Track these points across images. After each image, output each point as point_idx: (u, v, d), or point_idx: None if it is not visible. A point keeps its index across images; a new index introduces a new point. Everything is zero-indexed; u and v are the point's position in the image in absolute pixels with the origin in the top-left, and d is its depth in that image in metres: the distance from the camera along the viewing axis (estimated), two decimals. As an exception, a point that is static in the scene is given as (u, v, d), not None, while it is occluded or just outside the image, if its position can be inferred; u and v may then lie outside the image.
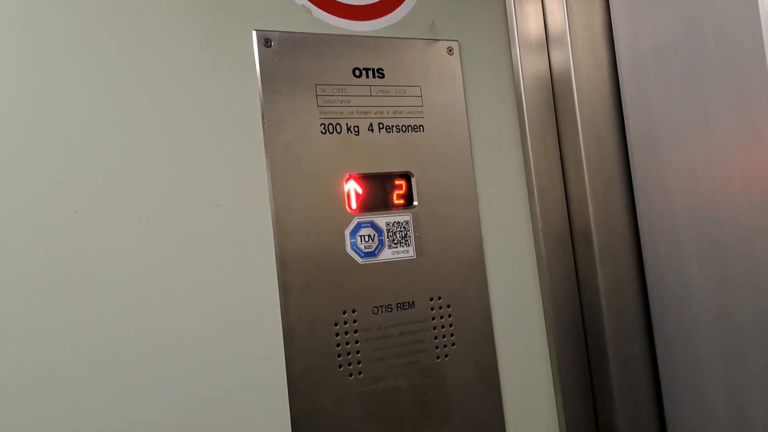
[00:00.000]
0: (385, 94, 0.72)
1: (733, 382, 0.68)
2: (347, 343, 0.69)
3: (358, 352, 0.69)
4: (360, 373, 0.69)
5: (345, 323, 0.69)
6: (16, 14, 0.59)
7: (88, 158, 0.60)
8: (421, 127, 0.74)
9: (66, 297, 0.58)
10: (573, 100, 0.77)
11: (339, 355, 0.68)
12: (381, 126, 0.72)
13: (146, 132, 0.62)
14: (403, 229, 0.72)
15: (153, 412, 0.60)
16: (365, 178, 0.71)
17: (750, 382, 0.66)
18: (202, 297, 0.63)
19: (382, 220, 0.71)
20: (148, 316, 0.61)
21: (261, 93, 0.67)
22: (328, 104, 0.70)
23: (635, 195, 0.78)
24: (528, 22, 0.81)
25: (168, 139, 0.63)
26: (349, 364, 0.69)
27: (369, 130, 0.71)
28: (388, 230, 0.71)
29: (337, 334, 0.68)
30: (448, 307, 0.74)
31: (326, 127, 0.69)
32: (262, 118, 0.67)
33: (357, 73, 0.72)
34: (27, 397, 0.56)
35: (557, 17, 0.79)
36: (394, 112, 0.73)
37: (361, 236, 0.70)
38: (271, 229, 0.66)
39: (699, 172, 0.68)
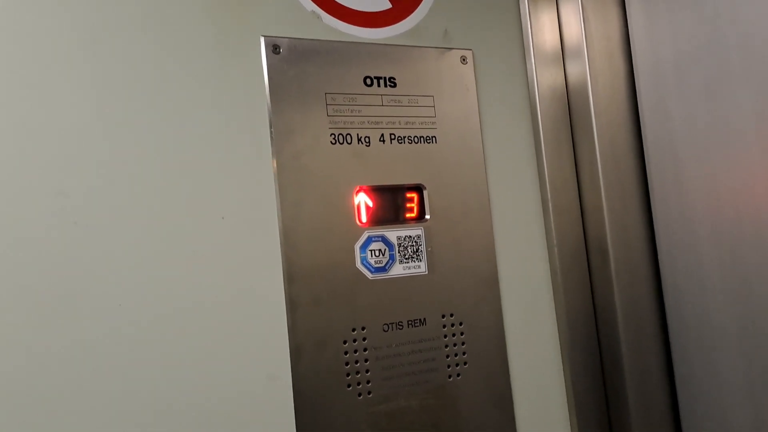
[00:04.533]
0: (397, 104, 0.70)
1: (757, 399, 0.65)
2: (356, 362, 0.66)
3: (367, 371, 0.66)
4: (369, 393, 0.66)
5: (354, 341, 0.66)
6: (19, 18, 0.56)
7: (90, 167, 0.57)
8: (433, 139, 0.72)
9: (64, 311, 0.55)
10: (589, 112, 0.75)
11: (348, 374, 0.65)
12: (393, 137, 0.70)
13: (149, 140, 0.60)
14: (414, 243, 0.70)
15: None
16: (376, 191, 0.69)
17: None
18: (206, 313, 0.60)
19: (393, 234, 0.69)
20: (149, 333, 0.58)
21: (269, 101, 0.64)
22: (339, 114, 0.67)
23: (653, 209, 0.75)
24: (543, 33, 0.78)
25: (172, 148, 0.61)
26: (358, 384, 0.66)
27: (380, 141, 0.69)
28: (399, 245, 0.69)
29: (345, 352, 0.66)
30: (461, 324, 0.71)
31: (336, 138, 0.67)
32: (270, 128, 0.64)
33: (368, 81, 0.69)
34: (23, 415, 0.53)
35: (573, 28, 0.77)
36: (407, 123, 0.70)
37: (371, 251, 0.67)
38: (279, 243, 0.64)
39: (721, 185, 0.66)
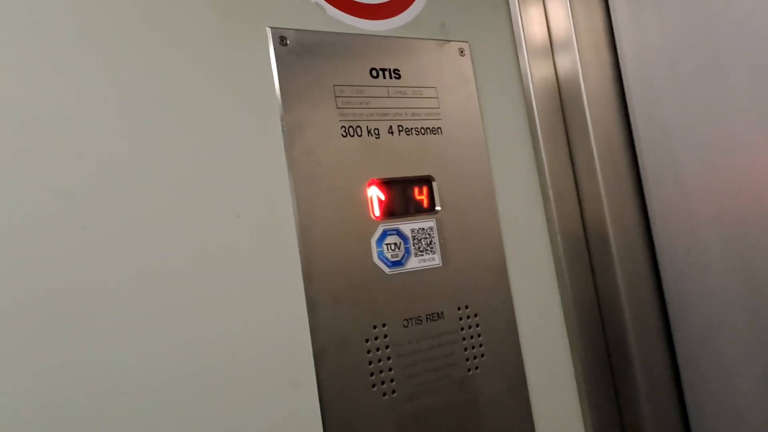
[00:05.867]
0: (403, 96, 0.69)
1: (766, 380, 0.67)
2: (379, 360, 0.64)
3: (390, 369, 0.64)
4: (394, 392, 0.64)
5: (376, 338, 0.64)
6: (21, 14, 0.52)
7: (98, 169, 0.53)
8: (439, 130, 0.71)
9: (79, 319, 0.50)
10: (582, 102, 0.76)
11: (372, 374, 0.63)
12: (401, 128, 0.68)
13: (159, 138, 0.56)
14: (428, 235, 0.68)
15: (179, 450, 0.53)
16: (387, 184, 0.67)
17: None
18: (224, 317, 0.57)
19: (407, 226, 0.67)
20: (167, 340, 0.54)
21: (279, 95, 0.62)
22: (348, 106, 0.65)
23: (646, 195, 0.77)
24: (533, 25, 0.80)
25: (182, 146, 0.57)
26: (383, 383, 0.64)
27: (389, 132, 0.68)
28: (413, 237, 0.67)
29: (368, 351, 0.63)
30: (476, 316, 0.70)
31: (347, 131, 0.65)
32: (281, 122, 0.62)
33: (374, 73, 0.68)
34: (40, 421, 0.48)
35: (561, 20, 0.78)
36: (413, 114, 0.69)
37: (387, 245, 0.66)
38: (296, 240, 0.61)
39: (721, 167, 0.68)
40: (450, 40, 0.74)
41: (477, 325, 0.70)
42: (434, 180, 0.70)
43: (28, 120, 0.51)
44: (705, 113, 0.69)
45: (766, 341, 0.66)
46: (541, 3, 0.81)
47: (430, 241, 0.68)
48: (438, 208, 0.70)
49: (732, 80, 0.66)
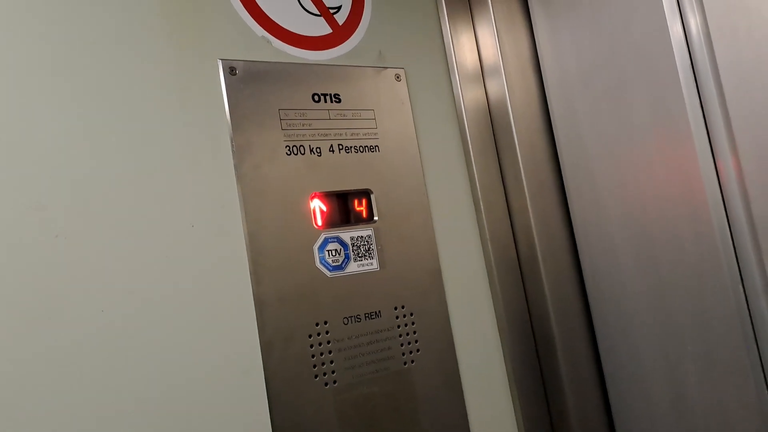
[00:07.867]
0: (343, 118, 0.78)
1: (669, 360, 0.76)
2: (321, 354, 0.72)
3: (332, 362, 0.72)
4: (335, 382, 0.72)
5: (318, 334, 0.72)
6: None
7: (67, 185, 0.61)
8: (376, 148, 0.79)
9: (50, 318, 0.58)
10: (509, 121, 0.85)
11: (314, 366, 0.71)
12: (341, 147, 0.77)
13: (123, 158, 0.64)
14: (366, 242, 0.76)
15: (135, 430, 0.61)
16: (329, 196, 0.75)
17: (685, 359, 0.74)
18: (181, 315, 0.64)
19: (346, 234, 0.75)
20: (130, 336, 0.62)
21: (229, 118, 0.70)
22: (292, 127, 0.74)
23: (569, 203, 0.86)
24: (464, 52, 0.89)
25: (144, 165, 0.65)
26: (324, 374, 0.71)
27: (330, 151, 0.76)
28: (352, 244, 0.75)
29: (311, 345, 0.71)
30: (411, 315, 0.78)
31: (291, 149, 0.73)
32: (231, 142, 0.70)
33: (316, 98, 0.76)
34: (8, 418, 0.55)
35: (490, 48, 0.87)
36: (352, 134, 0.78)
37: (328, 251, 0.74)
38: (245, 247, 0.69)
39: (627, 174, 0.77)
40: (387, 67, 0.83)
41: (413, 323, 0.78)
42: (372, 193, 0.78)
43: (4, 141, 0.59)
44: (614, 128, 0.78)
45: (666, 330, 0.75)
46: (472, 32, 0.90)
47: (369, 248, 0.77)
48: (376, 218, 0.78)
49: (634, 98, 0.75)
